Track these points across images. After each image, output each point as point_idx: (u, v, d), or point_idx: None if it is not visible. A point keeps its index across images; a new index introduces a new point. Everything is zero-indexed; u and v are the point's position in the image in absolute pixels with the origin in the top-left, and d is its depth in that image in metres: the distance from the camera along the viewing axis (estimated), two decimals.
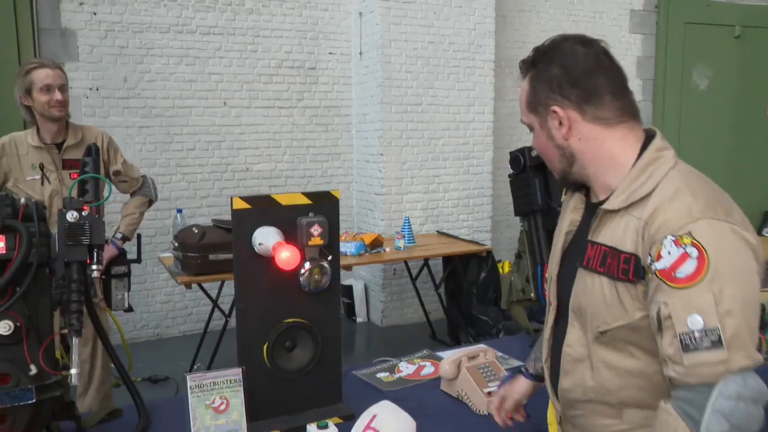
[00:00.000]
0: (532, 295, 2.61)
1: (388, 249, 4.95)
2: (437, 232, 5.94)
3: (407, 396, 2.27)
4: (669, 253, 1.23)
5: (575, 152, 1.42)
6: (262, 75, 5.79)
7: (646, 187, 1.33)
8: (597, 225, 1.40)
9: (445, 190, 6.08)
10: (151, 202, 3.53)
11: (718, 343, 1.18)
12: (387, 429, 1.12)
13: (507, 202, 2.66)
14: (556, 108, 1.40)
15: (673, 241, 1.23)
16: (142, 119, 5.39)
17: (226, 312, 4.39)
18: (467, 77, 6.01)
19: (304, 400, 2.04)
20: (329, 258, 2.01)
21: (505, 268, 4.89)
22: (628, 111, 1.42)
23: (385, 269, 5.89)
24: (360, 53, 5.99)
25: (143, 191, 3.48)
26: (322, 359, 2.06)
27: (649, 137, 1.42)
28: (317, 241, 1.96)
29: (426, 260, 5.33)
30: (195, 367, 4.75)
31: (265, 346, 1.97)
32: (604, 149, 1.40)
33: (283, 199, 1.96)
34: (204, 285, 4.38)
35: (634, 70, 7.33)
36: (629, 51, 7.28)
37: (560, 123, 1.41)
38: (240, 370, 1.88)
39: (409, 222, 5.23)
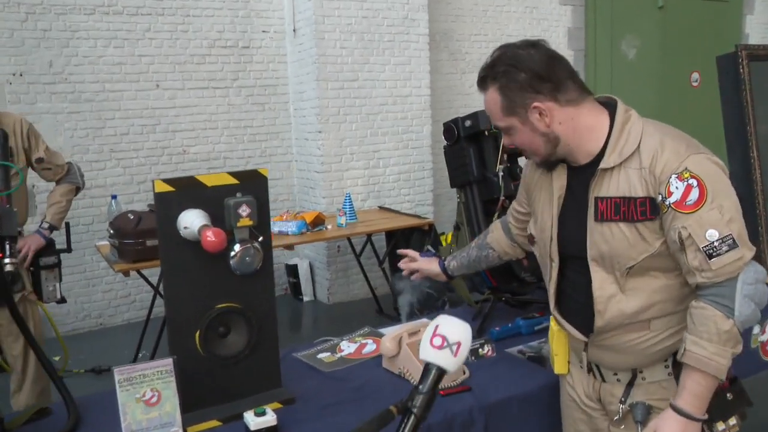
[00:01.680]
0: None
1: (330, 227, 4.91)
2: (379, 207, 5.92)
3: (349, 375, 2.24)
4: (676, 188, 1.53)
5: (559, 135, 1.65)
6: (195, 55, 5.65)
7: (631, 142, 1.61)
8: (596, 183, 1.64)
9: (386, 165, 6.05)
10: (78, 189, 3.41)
11: (733, 244, 1.51)
12: (452, 333, 1.27)
13: (447, 174, 2.66)
14: (536, 104, 1.62)
15: (677, 178, 1.54)
16: (72, 105, 5.22)
17: None
18: (402, 52, 5.97)
19: (241, 387, 1.99)
20: (260, 239, 1.96)
21: (447, 239, 4.89)
22: (584, 88, 1.68)
23: (328, 247, 5.85)
24: (294, 30, 5.89)
25: (69, 178, 3.37)
26: (259, 343, 2.02)
27: (609, 104, 1.69)
28: (246, 221, 1.91)
29: (369, 236, 5.30)
30: (140, 355, 4.66)
31: (197, 334, 1.91)
32: (581, 124, 1.65)
33: (209, 180, 1.90)
34: (145, 271, 4.28)
35: (566, 41, 7.39)
36: (560, 22, 7.33)
37: (540, 114, 1.62)
38: (171, 360, 1.83)
39: (350, 198, 5.20)
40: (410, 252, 2.42)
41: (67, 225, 2.99)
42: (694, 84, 8.00)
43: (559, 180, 1.75)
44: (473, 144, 2.59)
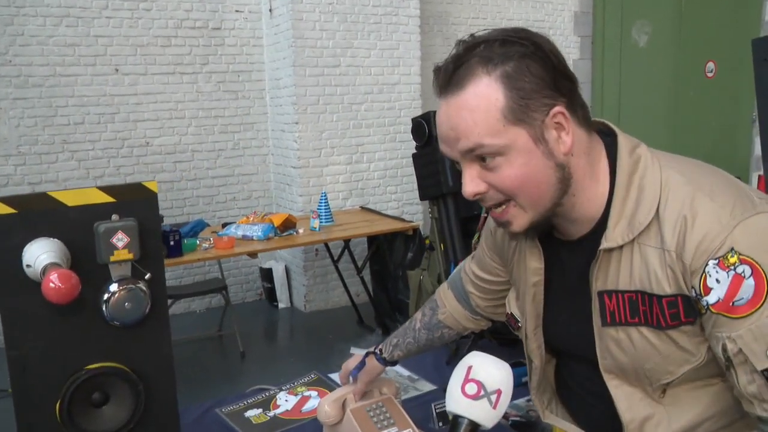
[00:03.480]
0: None
1: (302, 230, 4.37)
2: (361, 207, 5.40)
3: None
4: (717, 281, 0.99)
5: (572, 173, 1.06)
6: (159, 37, 5.12)
7: (646, 206, 1.05)
8: (599, 270, 1.10)
9: (370, 160, 5.52)
10: None
11: None
12: (490, 377, 1.03)
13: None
14: (559, 108, 1.02)
15: (717, 265, 0.99)
16: (17, 90, 4.69)
17: None
18: (390, 35, 5.43)
19: None
20: (147, 276, 1.44)
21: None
22: (587, 107, 1.09)
23: (305, 250, 5.34)
24: (270, 10, 5.35)
25: None
26: (149, 414, 1.51)
27: (602, 134, 1.13)
28: (123, 255, 1.39)
29: (346, 242, 4.78)
30: None
31: (57, 405, 1.40)
32: (591, 164, 1.09)
33: (71, 198, 1.38)
34: None
35: (572, 26, 6.90)
36: (565, 6, 6.83)
37: (559, 129, 1.03)
38: None
39: (326, 198, 4.67)
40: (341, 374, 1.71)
41: None
42: (709, 74, 7.48)
43: (533, 260, 1.20)
44: None
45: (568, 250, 1.17)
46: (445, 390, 1.08)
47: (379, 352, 1.62)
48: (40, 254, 1.29)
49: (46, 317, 1.37)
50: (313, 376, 2.11)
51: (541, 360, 1.29)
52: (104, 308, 1.41)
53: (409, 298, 4.44)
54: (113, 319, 1.42)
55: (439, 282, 2.10)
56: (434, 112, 2.10)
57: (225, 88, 5.42)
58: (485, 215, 2.01)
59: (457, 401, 1.03)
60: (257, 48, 5.51)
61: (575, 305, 1.17)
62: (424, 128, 2.05)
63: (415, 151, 2.18)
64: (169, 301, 4.31)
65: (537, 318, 1.26)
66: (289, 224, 4.35)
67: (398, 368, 2.14)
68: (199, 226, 4.30)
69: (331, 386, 2.02)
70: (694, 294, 1.02)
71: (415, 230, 4.65)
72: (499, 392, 1.03)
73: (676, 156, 1.13)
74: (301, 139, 5.20)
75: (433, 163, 2.02)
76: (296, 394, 1.99)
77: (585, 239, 1.13)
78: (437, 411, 1.81)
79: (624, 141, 1.11)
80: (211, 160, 5.42)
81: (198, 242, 4.02)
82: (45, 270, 1.25)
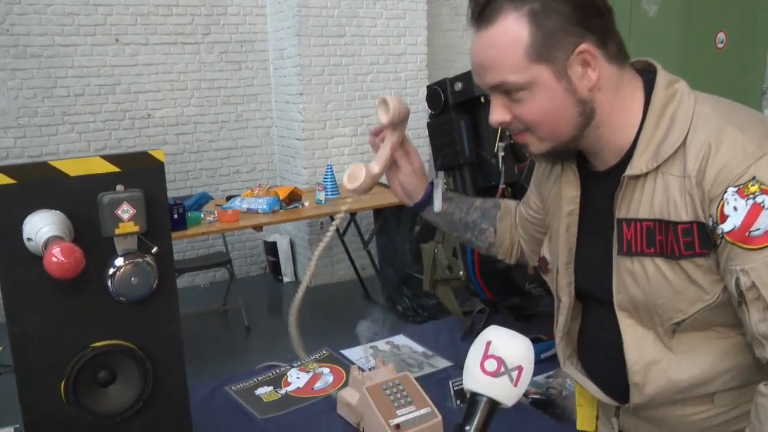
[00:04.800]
0: (461, 273, 2.01)
1: (307, 203, 4.30)
2: None
3: (291, 425, 1.68)
4: (735, 209, 0.97)
5: (596, 107, 1.07)
6: (160, 6, 5.00)
7: (675, 135, 1.04)
8: (621, 197, 1.09)
9: None
10: None
11: None
12: (510, 353, 0.96)
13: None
14: (585, 46, 1.02)
15: (737, 193, 0.97)
16: (15, 60, 4.59)
17: None
18: (396, 4, 5.30)
19: None
20: (154, 250, 1.38)
21: None
22: (623, 43, 1.10)
23: (310, 224, 5.26)
24: None
25: None
26: (157, 393, 1.45)
27: (645, 72, 1.12)
28: (129, 227, 1.32)
29: (352, 215, 4.71)
30: None
31: (62, 384, 1.34)
32: (621, 98, 1.09)
33: (72, 167, 1.31)
34: None
35: None
36: None
37: (585, 66, 1.04)
38: (12, 429, 1.25)
39: (332, 170, 4.58)
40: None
41: None
42: (720, 45, 7.34)
43: (570, 189, 1.20)
44: (465, 115, 1.98)
45: (597, 181, 1.16)
46: (461, 367, 1.01)
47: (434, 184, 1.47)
48: (42, 227, 1.22)
49: (49, 293, 1.31)
50: (324, 352, 2.05)
51: (569, 299, 1.25)
52: (109, 283, 1.34)
53: (417, 272, 4.39)
54: (119, 295, 1.36)
55: (455, 255, 2.03)
56: (450, 79, 2.02)
57: (228, 58, 5.30)
58: (503, 186, 1.94)
59: (475, 379, 0.96)
60: (260, 17, 5.38)
61: (600, 237, 1.16)
62: (439, 95, 1.96)
63: (429, 120, 2.09)
64: None
65: (569, 253, 1.23)
66: (294, 197, 4.28)
67: (412, 344, 2.08)
68: (203, 199, 4.22)
69: (343, 362, 1.97)
70: (710, 223, 1.00)
71: None
72: (520, 369, 0.96)
73: (717, 96, 1.11)
74: (305, 110, 5.10)
75: (449, 133, 1.94)
76: (308, 371, 1.93)
77: (613, 169, 1.12)
78: (455, 389, 1.76)
79: (663, 76, 1.10)
80: (214, 132, 5.33)
81: (202, 216, 3.94)
82: (47, 243, 1.18)
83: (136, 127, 5.06)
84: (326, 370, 1.93)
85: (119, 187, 1.33)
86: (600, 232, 1.16)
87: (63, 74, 4.76)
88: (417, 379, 1.68)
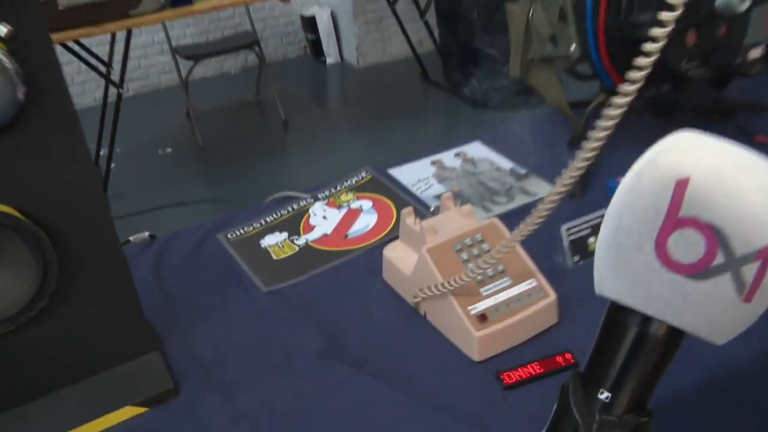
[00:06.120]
0: (572, 47, 1.26)
1: None
2: None
3: (310, 303, 1.06)
4: None
5: None
6: None
7: None
8: None
9: None
10: None
11: None
12: (739, 215, 0.38)
13: None
14: None
15: None
16: None
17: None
18: None
19: (50, 376, 0.87)
20: (3, 32, 0.69)
21: None
22: None
23: None
24: None
25: None
26: (73, 287, 0.83)
27: None
28: None
29: None
30: None
31: None
32: None
33: None
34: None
35: None
36: None
37: None
38: None
39: None
40: None
41: None
42: None
43: None
44: None
45: None
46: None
47: None
48: None
49: None
50: (365, 174, 1.38)
51: None
52: None
53: (489, 46, 3.61)
54: None
55: (562, 18, 1.27)
56: None
57: None
58: None
59: (637, 279, 0.43)
60: None
61: None
62: None
63: None
64: (192, 63, 3.58)
65: None
66: None
67: (495, 156, 1.40)
68: None
69: (392, 191, 1.31)
70: None
71: None
72: (762, 255, 0.39)
73: None
74: None
75: None
76: (339, 207, 1.28)
77: None
78: (570, 238, 1.09)
79: None
80: None
81: None
82: None
83: None
84: (367, 204, 1.27)
85: None
86: None
87: None
88: (507, 216, 1.03)
